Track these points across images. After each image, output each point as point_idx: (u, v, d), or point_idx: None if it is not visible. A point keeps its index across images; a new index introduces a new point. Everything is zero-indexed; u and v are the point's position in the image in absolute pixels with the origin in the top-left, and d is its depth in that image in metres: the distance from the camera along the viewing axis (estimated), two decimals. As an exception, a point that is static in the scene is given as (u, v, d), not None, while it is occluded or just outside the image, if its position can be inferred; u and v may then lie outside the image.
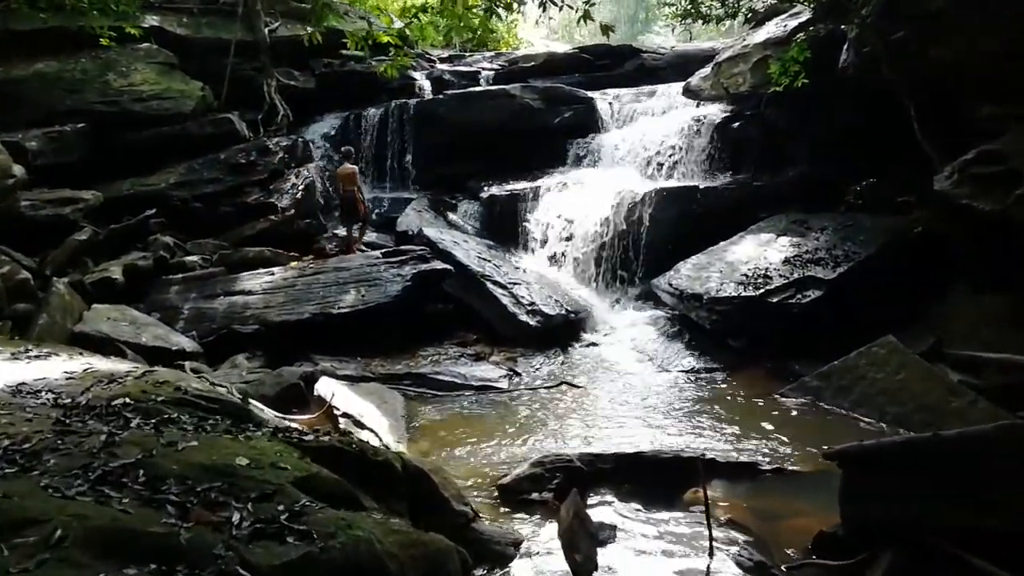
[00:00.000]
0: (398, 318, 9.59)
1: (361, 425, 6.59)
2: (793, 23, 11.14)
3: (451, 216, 13.02)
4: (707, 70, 12.65)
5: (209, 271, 10.21)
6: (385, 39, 7.31)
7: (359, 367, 8.74)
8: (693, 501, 5.62)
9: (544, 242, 12.28)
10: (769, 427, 7.17)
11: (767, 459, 6.40)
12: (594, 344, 10.18)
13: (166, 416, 4.21)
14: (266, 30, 14.10)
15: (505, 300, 10.09)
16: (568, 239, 12.13)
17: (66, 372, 4.91)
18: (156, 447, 3.31)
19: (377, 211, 13.54)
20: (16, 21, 12.15)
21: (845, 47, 9.76)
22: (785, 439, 6.85)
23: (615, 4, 50.24)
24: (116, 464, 3.11)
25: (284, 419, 6.31)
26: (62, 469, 3.04)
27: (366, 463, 4.28)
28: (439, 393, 8.36)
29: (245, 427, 4.19)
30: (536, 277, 11.08)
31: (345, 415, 6.56)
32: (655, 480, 5.83)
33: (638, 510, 5.50)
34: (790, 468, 6.18)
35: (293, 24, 14.74)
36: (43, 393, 4.51)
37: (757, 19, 12.41)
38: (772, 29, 11.59)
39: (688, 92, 12.89)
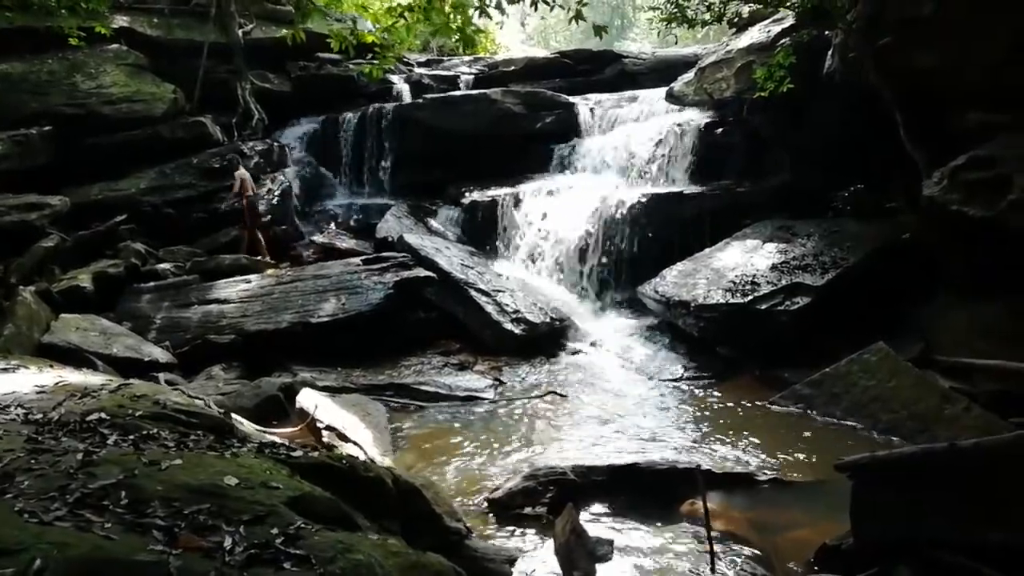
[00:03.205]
0: (379, 327, 9.36)
1: (345, 438, 6.36)
2: (777, 29, 11.11)
3: (431, 222, 12.80)
4: (690, 75, 12.61)
5: (183, 279, 9.89)
6: (370, 39, 7.11)
7: (340, 377, 8.49)
8: (691, 513, 5.48)
9: (526, 249, 12.12)
10: (761, 436, 7.04)
11: (761, 469, 6.28)
12: (579, 352, 10.01)
13: (145, 432, 3.97)
14: (240, 32, 13.80)
15: (489, 308, 9.90)
16: (550, 245, 11.98)
17: (36, 386, 4.63)
18: (138, 467, 3.07)
19: (355, 217, 13.32)
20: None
21: (830, 53, 9.74)
22: (778, 448, 6.73)
23: (590, 11, 50.32)
24: (96, 486, 2.87)
25: (265, 432, 6.07)
26: (38, 491, 2.79)
27: (357, 479, 4.07)
28: (423, 404, 8.13)
29: (229, 443, 3.96)
30: (519, 284, 10.91)
31: (328, 428, 6.32)
32: (650, 492, 5.68)
33: (635, 524, 5.33)
34: (786, 478, 6.05)
35: (268, 26, 14.47)
36: (12, 408, 4.24)
37: (739, 24, 12.38)
38: (755, 35, 11.56)
39: (671, 97, 12.84)
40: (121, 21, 12.69)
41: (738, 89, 11.52)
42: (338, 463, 4.06)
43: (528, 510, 5.48)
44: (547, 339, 10.01)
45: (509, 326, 9.74)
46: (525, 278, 11.53)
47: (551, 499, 5.49)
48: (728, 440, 6.99)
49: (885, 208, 9.25)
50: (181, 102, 12.76)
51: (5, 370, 4.99)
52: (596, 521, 5.41)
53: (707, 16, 9.90)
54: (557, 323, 10.21)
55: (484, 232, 12.46)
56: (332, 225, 12.93)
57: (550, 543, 5.07)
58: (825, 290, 8.64)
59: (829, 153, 10.16)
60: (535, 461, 6.51)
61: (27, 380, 4.82)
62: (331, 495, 3.38)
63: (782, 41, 10.71)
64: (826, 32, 10.08)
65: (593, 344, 10.27)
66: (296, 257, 11.76)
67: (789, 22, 11.02)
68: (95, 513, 2.67)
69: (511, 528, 5.32)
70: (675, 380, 8.89)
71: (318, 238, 12.11)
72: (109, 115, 11.89)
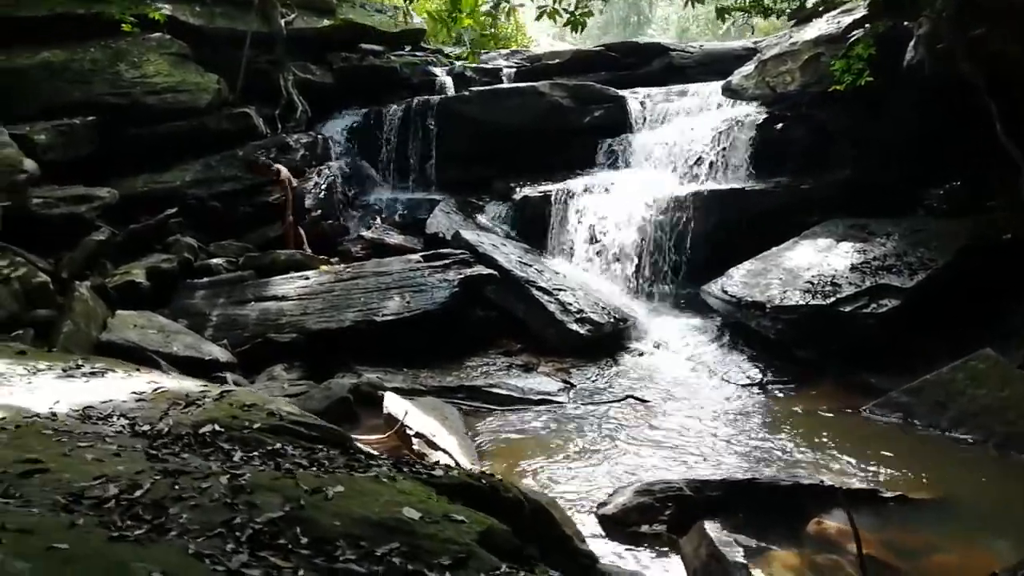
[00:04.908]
0: (443, 326, 9.00)
1: (434, 446, 6.00)
2: (847, 20, 10.65)
3: (480, 218, 12.41)
4: (749, 68, 12.15)
5: (238, 275, 9.52)
6: (467, 22, 6.74)
7: (408, 379, 8.13)
8: (819, 534, 5.11)
9: (579, 246, 11.72)
10: (864, 448, 6.66)
11: (880, 484, 5.90)
12: (643, 353, 9.63)
13: (270, 448, 3.63)
14: (282, 21, 13.42)
15: (552, 307, 9.53)
16: (604, 243, 11.59)
17: (134, 392, 4.28)
18: (300, 495, 2.70)
19: (400, 212, 12.95)
20: (19, 7, 11.44)
21: (912, 44, 9.30)
22: (886, 462, 6.34)
23: (607, 7, 49.87)
24: (263, 519, 2.51)
25: (356, 440, 5.73)
26: (201, 527, 2.43)
27: (498, 501, 3.71)
28: (496, 407, 7.78)
29: (364, 461, 3.60)
30: (577, 283, 10.54)
31: (418, 435, 5.96)
32: (770, 510, 5.30)
33: (762, 546, 4.94)
34: (910, 496, 5.66)
35: (309, 16, 14.08)
36: (115, 418, 3.89)
37: (801, 16, 11.95)
38: (823, 26, 11.10)
39: (728, 91, 12.40)
40: (164, 9, 12.28)
41: (804, 82, 11.09)
42: (477, 482, 3.71)
43: (645, 528, 5.11)
44: (610, 340, 9.64)
45: (574, 326, 9.37)
46: (578, 276, 11.15)
47: (670, 516, 5.12)
48: (830, 452, 6.61)
49: (985, 205, 8.80)
50: (225, 93, 12.36)
51: (93, 374, 4.64)
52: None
53: (784, 5, 9.46)
54: (621, 324, 9.84)
55: (535, 229, 12.03)
56: (378, 220, 12.56)
57: (676, 565, 4.72)
58: (915, 292, 8.24)
59: (910, 148, 9.74)
60: (633, 472, 6.17)
61: (121, 385, 4.47)
62: (505, 526, 3.02)
63: (854, 33, 10.24)
64: (905, 23, 9.65)
65: (656, 345, 9.89)
66: (344, 253, 11.40)
67: (860, 13, 10.57)
68: (279, 556, 2.29)
69: (629, 548, 4.95)
70: (754, 385, 8.50)
71: (367, 233, 11.74)
72: (153, 105, 11.50)
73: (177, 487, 2.77)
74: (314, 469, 3.25)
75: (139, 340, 7.68)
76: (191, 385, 4.68)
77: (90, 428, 3.66)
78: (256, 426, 3.82)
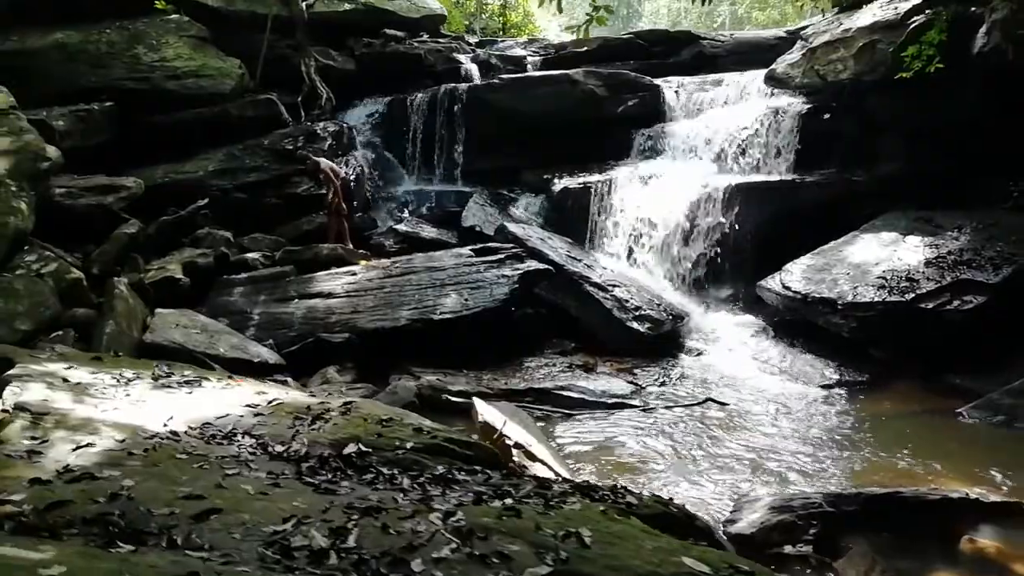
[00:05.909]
0: (500, 325, 8.50)
1: (533, 457, 5.50)
2: (905, 5, 10.27)
3: (513, 211, 11.91)
4: (795, 56, 11.75)
5: (279, 270, 8.92)
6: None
7: (471, 381, 7.61)
8: (975, 552, 4.69)
9: (622, 240, 11.25)
10: (974, 453, 6.28)
11: (1009, 494, 5.50)
12: (703, 353, 9.20)
13: (436, 473, 3.12)
14: (303, 4, 12.80)
15: (608, 304, 9.07)
16: (648, 237, 11.13)
17: (247, 405, 3.75)
18: (554, 543, 2.21)
19: (427, 205, 12.42)
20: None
21: (984, 30, 8.94)
22: (1006, 469, 5.94)
23: (596, -1, 49.38)
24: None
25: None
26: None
27: (691, 528, 3.25)
28: (569, 411, 7.29)
29: (552, 488, 3.10)
30: (627, 278, 10.08)
31: (517, 445, 5.46)
32: (914, 526, 4.86)
33: (922, 568, 4.51)
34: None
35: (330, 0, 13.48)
36: (239, 436, 3.38)
37: (848, 3, 11.56)
38: (878, 12, 10.72)
39: (772, 80, 11.98)
40: (183, -12, 11.64)
41: (858, 70, 10.68)
42: (669, 509, 3.23)
43: (788, 549, 4.65)
44: (667, 338, 9.21)
45: (634, 324, 8.92)
46: (625, 271, 10.69)
47: (815, 535, 4.66)
48: (941, 459, 6.19)
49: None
50: (247, 79, 11.75)
51: (188, 382, 4.09)
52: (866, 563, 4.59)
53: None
54: (678, 321, 9.40)
55: (572, 222, 11.54)
56: (406, 213, 12.03)
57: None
58: (1002, 288, 7.87)
59: (981, 137, 9.37)
60: (742, 484, 5.73)
61: (226, 397, 3.93)
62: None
63: (914, 19, 9.87)
64: (972, 8, 9.28)
65: (713, 344, 9.45)
66: (377, 247, 10.84)
67: (917, -1, 10.19)
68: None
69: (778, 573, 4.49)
70: (832, 386, 8.07)
71: (400, 227, 11.20)
72: (174, 90, 10.86)
73: (391, 532, 2.27)
74: (510, 501, 2.76)
75: (184, 341, 7.10)
76: (302, 396, 4.16)
77: (221, 450, 3.15)
78: (409, 445, 3.32)
